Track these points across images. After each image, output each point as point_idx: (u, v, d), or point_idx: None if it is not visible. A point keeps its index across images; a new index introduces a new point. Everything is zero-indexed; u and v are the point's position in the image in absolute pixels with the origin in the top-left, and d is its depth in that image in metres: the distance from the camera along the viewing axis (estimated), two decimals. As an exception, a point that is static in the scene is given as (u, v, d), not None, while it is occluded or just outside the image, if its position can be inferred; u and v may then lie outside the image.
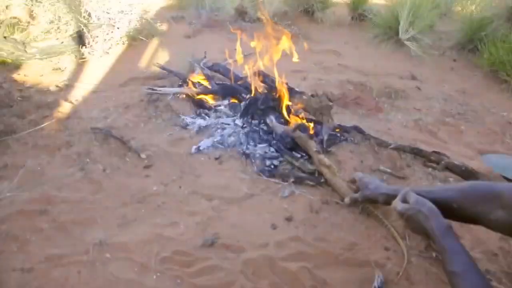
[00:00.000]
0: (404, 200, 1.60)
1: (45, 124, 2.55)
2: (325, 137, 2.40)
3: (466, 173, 2.21)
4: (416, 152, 2.39)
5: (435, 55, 4.41)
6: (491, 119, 3.04)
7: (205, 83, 2.98)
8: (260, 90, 2.71)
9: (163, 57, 3.88)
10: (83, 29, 3.78)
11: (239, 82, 2.99)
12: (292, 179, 2.14)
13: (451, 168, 2.29)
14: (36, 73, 3.40)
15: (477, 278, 1.19)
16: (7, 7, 4.13)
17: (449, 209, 1.42)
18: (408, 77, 3.79)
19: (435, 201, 1.44)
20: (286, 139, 2.39)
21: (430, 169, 2.31)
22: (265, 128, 2.54)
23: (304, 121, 2.53)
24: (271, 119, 2.52)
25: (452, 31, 4.90)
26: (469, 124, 2.94)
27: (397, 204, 1.62)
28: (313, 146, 2.22)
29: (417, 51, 4.24)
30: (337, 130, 2.56)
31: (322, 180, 2.15)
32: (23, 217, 1.84)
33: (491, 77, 3.85)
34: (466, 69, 4.08)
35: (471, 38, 4.40)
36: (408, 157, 2.40)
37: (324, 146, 2.37)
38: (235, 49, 3.07)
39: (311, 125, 2.47)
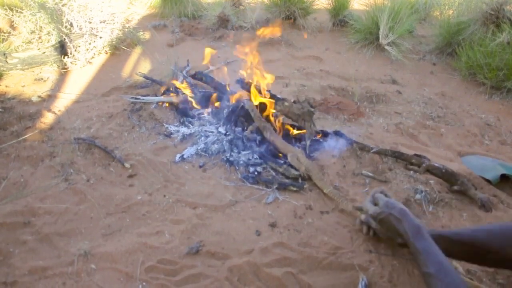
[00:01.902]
0: (375, 203, 1.62)
1: (27, 135, 2.53)
2: (308, 143, 2.43)
3: (447, 175, 2.26)
4: (398, 156, 2.43)
5: (415, 59, 4.49)
6: (470, 121, 3.10)
7: (188, 91, 2.99)
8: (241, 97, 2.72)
9: (146, 66, 3.88)
10: (65, 39, 3.76)
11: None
12: (275, 185, 2.17)
13: (432, 170, 2.34)
14: (17, 83, 3.37)
15: (451, 277, 1.20)
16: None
17: (478, 252, 1.37)
18: (388, 81, 3.85)
19: (461, 243, 1.40)
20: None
21: (411, 172, 2.35)
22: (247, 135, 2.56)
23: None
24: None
25: (431, 36, 4.99)
26: (449, 126, 3.00)
27: (369, 206, 1.64)
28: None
29: (397, 55, 4.31)
30: (319, 136, 2.59)
31: (305, 185, 2.18)
32: (5, 229, 1.82)
33: (469, 80, 3.93)
34: (445, 73, 4.15)
35: (449, 42, 4.49)
36: (390, 161, 2.44)
37: (307, 152, 2.40)
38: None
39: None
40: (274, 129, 2.55)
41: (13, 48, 3.94)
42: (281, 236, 1.86)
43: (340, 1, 5.36)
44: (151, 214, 1.98)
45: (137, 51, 4.25)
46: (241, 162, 2.36)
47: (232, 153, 2.42)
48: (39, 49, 3.92)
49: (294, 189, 2.16)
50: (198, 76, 3.21)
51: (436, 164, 2.33)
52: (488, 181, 2.34)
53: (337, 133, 2.59)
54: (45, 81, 3.46)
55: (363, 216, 1.79)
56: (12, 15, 4.22)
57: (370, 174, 2.31)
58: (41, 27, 4.11)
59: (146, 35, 4.73)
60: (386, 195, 1.74)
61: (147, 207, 2.02)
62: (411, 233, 1.37)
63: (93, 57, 3.96)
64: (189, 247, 1.76)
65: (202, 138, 2.57)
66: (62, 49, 3.80)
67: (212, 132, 2.63)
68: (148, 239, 1.80)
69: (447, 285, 1.18)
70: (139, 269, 1.66)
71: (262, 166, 2.33)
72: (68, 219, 1.92)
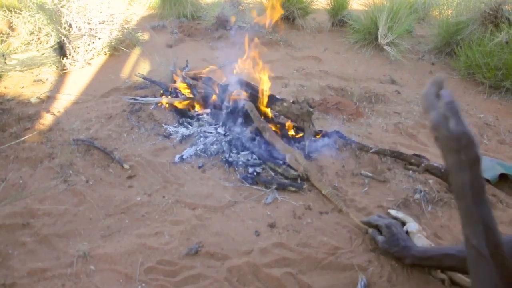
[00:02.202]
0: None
1: (26, 137, 2.53)
2: (307, 143, 2.43)
3: (445, 175, 2.26)
4: (397, 156, 2.43)
5: (414, 59, 4.49)
6: (469, 121, 3.10)
7: (187, 91, 2.99)
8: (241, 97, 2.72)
9: (145, 67, 3.89)
10: (64, 40, 3.76)
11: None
12: (274, 186, 2.17)
13: (431, 170, 2.34)
14: (16, 85, 3.37)
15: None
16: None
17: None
18: (388, 81, 3.85)
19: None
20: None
21: (410, 172, 2.35)
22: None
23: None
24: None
25: (430, 36, 5.00)
26: (448, 126, 2.99)
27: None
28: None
29: (396, 55, 4.31)
30: (318, 136, 2.59)
31: (304, 186, 2.18)
32: (4, 231, 1.82)
33: (468, 80, 3.94)
34: (444, 72, 4.16)
35: (448, 42, 4.50)
36: (389, 161, 2.44)
37: (306, 152, 2.40)
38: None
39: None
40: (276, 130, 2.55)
41: (12, 49, 3.93)
42: (280, 236, 1.86)
43: (339, 1, 5.37)
44: (150, 215, 1.98)
45: (136, 52, 4.25)
46: (240, 162, 2.36)
47: (231, 154, 2.42)
48: (38, 50, 3.92)
49: (293, 189, 2.17)
50: (197, 77, 3.21)
51: (435, 164, 2.34)
52: (487, 180, 2.34)
53: (336, 133, 2.59)
54: (44, 82, 3.46)
55: (370, 230, 1.85)
56: (11, 16, 4.22)
57: (369, 174, 2.31)
58: (40, 28, 4.11)
59: (145, 36, 4.73)
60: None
61: (147, 208, 2.02)
62: (472, 191, 1.00)
63: (92, 58, 3.96)
64: (188, 248, 1.76)
65: (201, 138, 2.58)
66: (61, 50, 3.81)
67: (211, 132, 2.63)
68: (147, 240, 1.80)
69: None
70: (138, 270, 1.66)
71: (261, 167, 2.33)
72: (67, 220, 1.92)
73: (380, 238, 1.76)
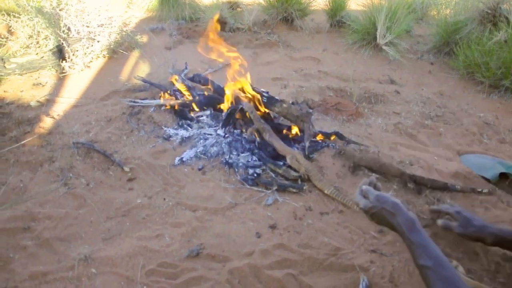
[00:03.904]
0: (365, 195, 1.58)
1: (26, 140, 2.53)
2: (307, 144, 2.43)
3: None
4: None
5: (413, 59, 4.49)
6: (468, 120, 3.10)
7: (187, 93, 2.99)
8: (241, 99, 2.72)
9: (144, 70, 3.89)
10: (63, 44, 3.76)
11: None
12: (275, 187, 2.17)
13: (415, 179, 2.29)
14: (16, 88, 3.37)
15: (448, 271, 1.21)
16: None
17: None
18: (387, 81, 3.85)
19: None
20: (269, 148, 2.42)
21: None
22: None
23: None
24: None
25: (429, 35, 4.99)
26: (448, 126, 3.00)
27: (358, 199, 1.59)
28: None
29: (395, 55, 4.31)
30: (320, 137, 2.59)
31: (305, 187, 2.18)
32: (5, 235, 1.82)
33: (467, 79, 3.94)
34: (443, 72, 4.16)
35: (447, 42, 4.50)
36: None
37: (306, 153, 2.40)
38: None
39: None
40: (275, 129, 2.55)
41: (11, 53, 3.93)
42: (281, 237, 1.86)
43: (337, 2, 5.37)
44: (151, 218, 1.98)
45: (135, 54, 4.25)
46: (240, 164, 2.36)
47: (231, 155, 2.42)
48: (37, 54, 3.92)
49: (294, 190, 2.17)
50: (196, 79, 3.21)
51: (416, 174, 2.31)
52: (487, 179, 2.35)
53: (336, 134, 2.59)
54: (43, 85, 3.46)
55: (440, 221, 1.84)
56: (10, 20, 4.22)
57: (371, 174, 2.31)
58: (38, 32, 4.11)
59: (144, 39, 4.73)
60: (375, 186, 1.64)
61: (147, 211, 2.02)
62: (405, 227, 1.35)
63: (91, 61, 3.96)
64: (189, 250, 1.76)
65: (201, 140, 2.57)
66: (60, 53, 3.80)
67: (211, 134, 2.63)
68: (148, 242, 1.80)
69: (445, 278, 1.19)
70: (139, 272, 1.66)
71: (261, 168, 2.33)
72: (68, 223, 1.92)
73: (454, 224, 1.76)
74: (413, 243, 1.31)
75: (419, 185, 2.19)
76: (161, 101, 2.98)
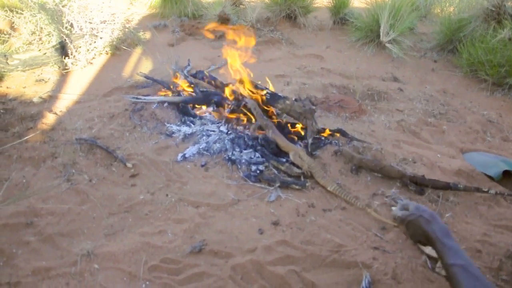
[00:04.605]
0: (404, 209, 1.71)
1: (29, 136, 2.53)
2: (310, 141, 2.43)
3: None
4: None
5: (416, 57, 4.48)
6: (472, 118, 3.09)
7: (190, 90, 2.99)
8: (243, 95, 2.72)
9: (146, 66, 3.88)
10: (65, 40, 3.76)
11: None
12: (278, 184, 2.16)
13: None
14: (19, 85, 3.37)
15: (476, 270, 1.29)
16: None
17: None
18: (390, 79, 3.84)
19: None
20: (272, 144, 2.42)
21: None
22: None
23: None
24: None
25: (432, 33, 4.98)
26: (451, 123, 2.99)
27: (396, 212, 1.73)
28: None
29: (398, 53, 4.30)
30: (327, 134, 2.59)
31: (308, 183, 2.18)
32: (8, 230, 1.82)
33: (470, 77, 3.92)
34: (447, 70, 4.14)
35: (450, 39, 4.48)
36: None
37: (309, 150, 2.39)
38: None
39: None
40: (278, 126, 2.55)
41: (14, 49, 3.94)
42: (284, 234, 1.85)
43: (341, -1, 5.36)
44: (153, 214, 1.98)
45: (138, 51, 4.25)
46: (243, 160, 2.35)
47: (234, 152, 2.42)
48: (39, 50, 3.93)
49: (297, 187, 2.16)
50: (199, 76, 3.20)
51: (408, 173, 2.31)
52: (490, 177, 2.34)
53: (339, 131, 2.58)
54: (46, 82, 3.46)
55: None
56: (13, 17, 4.23)
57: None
58: (41, 28, 4.11)
59: (147, 35, 4.73)
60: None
61: (150, 207, 2.02)
62: (440, 233, 1.46)
63: (94, 58, 3.96)
64: (192, 246, 1.76)
65: (204, 137, 2.57)
66: (62, 50, 3.80)
67: (213, 131, 2.63)
68: (151, 238, 1.80)
69: (475, 276, 1.27)
70: (142, 268, 1.66)
71: (264, 165, 2.33)
72: (70, 219, 1.92)
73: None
74: (445, 246, 1.40)
75: (421, 185, 2.18)
76: (163, 97, 2.97)
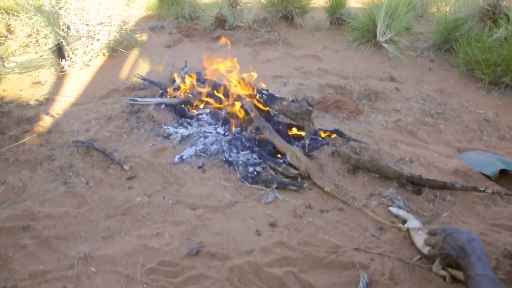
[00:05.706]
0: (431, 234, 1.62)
1: (25, 139, 2.52)
2: (307, 142, 2.43)
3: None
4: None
5: (413, 56, 4.49)
6: (468, 117, 3.10)
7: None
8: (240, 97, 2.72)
9: (143, 68, 3.88)
10: (62, 42, 3.76)
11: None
12: (275, 185, 2.16)
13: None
14: (15, 87, 3.37)
15: (501, 285, 1.32)
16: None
17: None
18: (387, 78, 3.85)
19: None
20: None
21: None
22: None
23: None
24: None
25: (429, 32, 4.99)
26: (448, 123, 3.00)
27: (429, 238, 1.62)
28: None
29: (395, 53, 4.31)
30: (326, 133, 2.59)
31: (305, 184, 2.18)
32: (5, 234, 1.82)
33: (467, 76, 3.93)
34: (443, 69, 4.15)
35: (447, 39, 4.49)
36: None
37: (306, 151, 2.39)
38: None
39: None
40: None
41: (10, 52, 3.93)
42: (281, 235, 1.85)
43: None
44: (150, 216, 1.98)
45: (135, 53, 4.25)
46: (240, 162, 2.35)
47: (231, 154, 2.42)
48: (36, 52, 3.92)
49: (294, 188, 2.16)
50: (196, 77, 3.20)
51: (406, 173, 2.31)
52: (487, 176, 2.34)
53: (336, 131, 2.58)
54: (43, 84, 3.46)
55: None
56: (9, 19, 4.22)
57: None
58: (38, 30, 4.11)
59: (144, 37, 4.73)
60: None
61: (147, 209, 2.02)
62: (479, 251, 1.42)
63: (90, 60, 3.96)
64: (189, 248, 1.76)
65: (201, 139, 2.57)
66: (59, 52, 3.80)
67: (210, 132, 2.63)
68: (148, 241, 1.80)
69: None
70: (139, 271, 1.65)
71: (261, 166, 2.33)
72: (67, 222, 1.91)
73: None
74: (480, 260, 1.38)
75: (418, 185, 2.18)
76: (161, 99, 2.97)
